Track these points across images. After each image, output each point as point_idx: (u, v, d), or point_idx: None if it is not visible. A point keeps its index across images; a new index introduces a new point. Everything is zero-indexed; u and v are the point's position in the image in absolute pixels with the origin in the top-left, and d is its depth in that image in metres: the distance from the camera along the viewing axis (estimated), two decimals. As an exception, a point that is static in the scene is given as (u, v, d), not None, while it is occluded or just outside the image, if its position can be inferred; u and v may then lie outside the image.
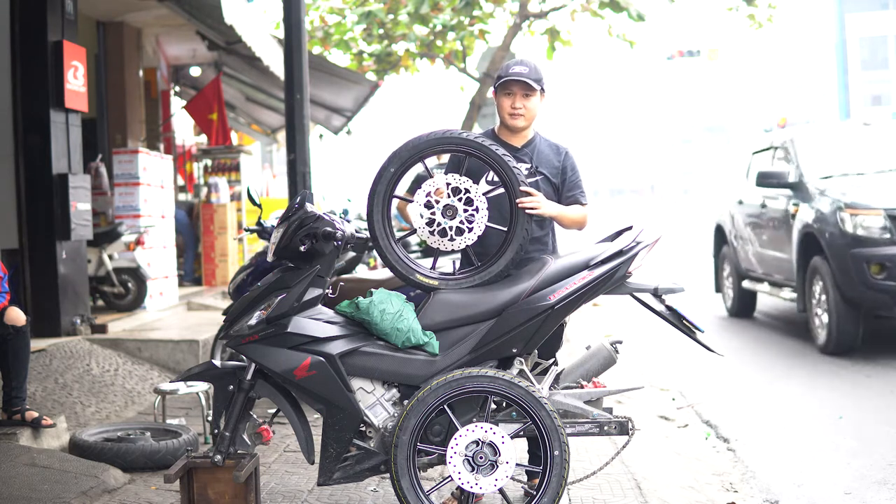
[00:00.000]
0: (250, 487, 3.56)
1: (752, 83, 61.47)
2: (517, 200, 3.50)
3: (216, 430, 3.55)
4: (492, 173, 3.64)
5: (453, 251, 3.57)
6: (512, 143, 3.81)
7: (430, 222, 3.48)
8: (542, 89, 3.79)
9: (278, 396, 3.53)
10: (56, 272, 6.72)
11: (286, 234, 3.48)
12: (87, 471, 4.20)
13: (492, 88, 3.95)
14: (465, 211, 3.46)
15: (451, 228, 3.46)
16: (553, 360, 3.75)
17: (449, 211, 3.46)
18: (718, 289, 10.74)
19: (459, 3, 12.59)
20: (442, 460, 3.39)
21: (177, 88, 13.33)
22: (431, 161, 3.84)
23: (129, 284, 8.18)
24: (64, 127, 6.81)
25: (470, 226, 3.47)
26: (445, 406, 3.35)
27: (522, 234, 3.51)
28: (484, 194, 3.52)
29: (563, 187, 3.83)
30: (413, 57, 13.80)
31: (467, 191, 3.47)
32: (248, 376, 3.52)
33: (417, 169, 3.94)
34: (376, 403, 3.45)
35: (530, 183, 3.66)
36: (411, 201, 3.55)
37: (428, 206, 3.48)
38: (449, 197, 3.46)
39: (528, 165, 3.76)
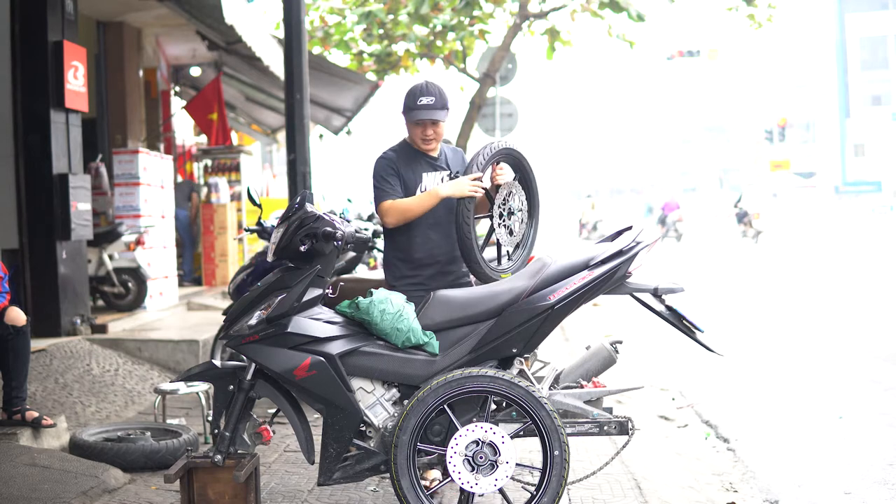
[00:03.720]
0: (250, 487, 3.56)
1: (752, 83, 61.39)
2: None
3: (216, 430, 3.55)
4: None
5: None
6: (430, 154, 4.07)
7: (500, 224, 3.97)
8: (448, 109, 4.03)
9: (278, 396, 3.53)
10: (56, 272, 6.72)
11: (286, 234, 3.49)
12: (87, 471, 4.20)
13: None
14: (520, 213, 4.02)
15: (509, 228, 3.99)
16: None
17: (510, 215, 4.01)
18: None
19: (459, 3, 12.58)
20: (442, 460, 3.39)
21: (177, 88, 13.32)
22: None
23: (129, 284, 8.17)
24: (64, 127, 6.81)
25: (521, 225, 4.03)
26: (445, 406, 3.35)
27: (537, 220, 4.12)
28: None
29: None
30: (413, 57, 13.79)
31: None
32: (248, 376, 3.52)
33: None
34: (376, 403, 3.45)
35: None
36: (489, 216, 4.00)
37: (500, 215, 3.99)
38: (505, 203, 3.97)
39: (449, 172, 4.04)
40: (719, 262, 19.62)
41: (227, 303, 8.82)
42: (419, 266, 3.92)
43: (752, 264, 18.85)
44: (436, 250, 3.94)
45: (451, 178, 3.97)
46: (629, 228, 3.66)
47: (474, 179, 3.78)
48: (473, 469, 3.29)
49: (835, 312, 10.58)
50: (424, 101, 3.90)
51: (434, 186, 3.92)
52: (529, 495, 3.37)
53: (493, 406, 3.43)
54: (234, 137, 14.22)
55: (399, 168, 3.98)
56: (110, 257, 8.09)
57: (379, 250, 7.09)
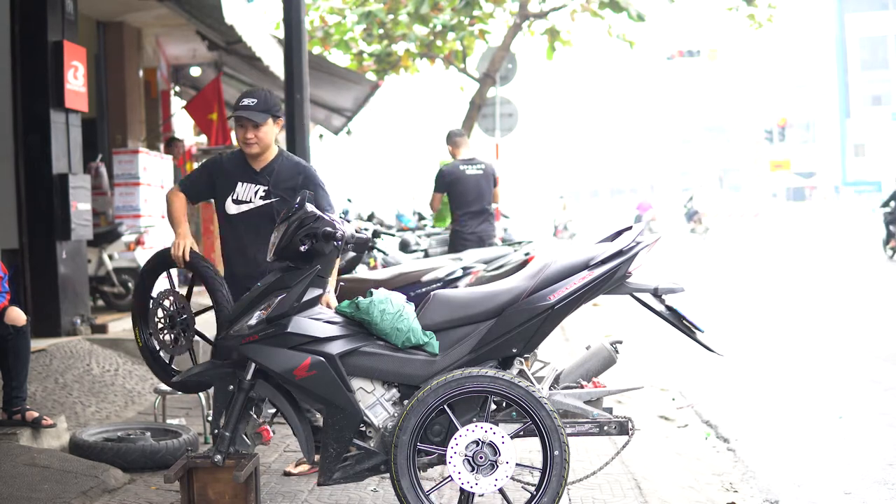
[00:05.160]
0: (250, 487, 3.56)
1: (752, 83, 61.38)
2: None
3: (216, 430, 3.55)
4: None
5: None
6: (253, 167, 4.14)
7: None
8: (275, 116, 4.07)
9: (278, 396, 3.53)
10: (56, 272, 6.71)
11: (286, 234, 3.48)
12: (87, 471, 4.20)
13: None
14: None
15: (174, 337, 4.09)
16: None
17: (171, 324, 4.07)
18: None
19: (459, 3, 12.60)
20: (442, 460, 3.39)
21: (177, 88, 13.32)
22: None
23: (129, 284, 8.17)
24: (64, 127, 6.81)
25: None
26: (445, 406, 3.35)
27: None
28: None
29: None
30: (413, 57, 13.81)
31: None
32: (248, 376, 3.52)
33: None
34: (376, 403, 3.45)
35: (266, 204, 4.09)
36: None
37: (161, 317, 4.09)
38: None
39: (267, 187, 4.09)
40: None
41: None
42: (229, 275, 4.21)
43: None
44: (235, 266, 4.20)
45: (265, 194, 4.06)
46: (629, 228, 3.66)
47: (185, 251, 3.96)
48: (473, 469, 3.29)
49: (830, 311, 10.59)
50: (246, 101, 4.01)
51: (184, 231, 4.07)
52: (529, 495, 3.37)
53: (493, 406, 3.43)
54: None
55: (219, 170, 4.17)
56: (110, 257, 8.09)
57: (379, 250, 7.11)
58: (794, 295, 12.55)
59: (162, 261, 4.15)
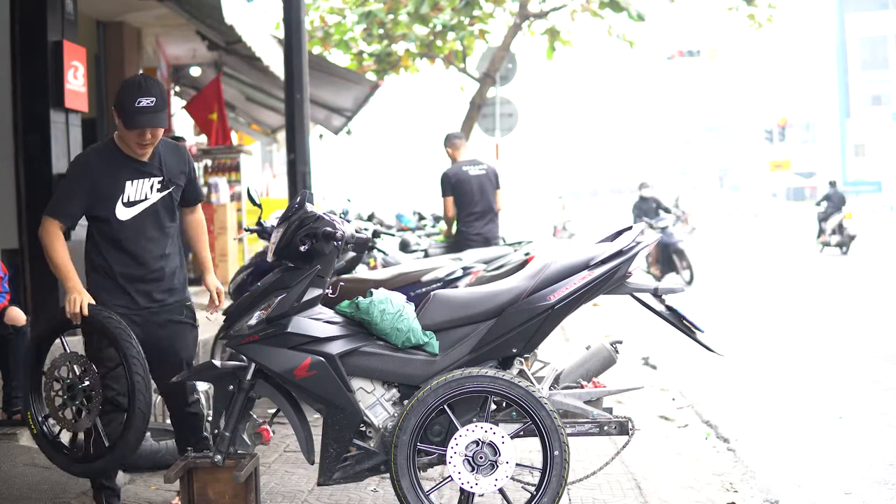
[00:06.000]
0: (250, 487, 3.56)
1: (752, 83, 61.38)
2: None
3: (216, 430, 3.55)
4: None
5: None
6: (139, 160, 3.63)
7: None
8: (168, 108, 3.61)
9: (278, 396, 3.53)
10: (56, 272, 6.70)
11: (286, 234, 3.49)
12: (88, 471, 4.19)
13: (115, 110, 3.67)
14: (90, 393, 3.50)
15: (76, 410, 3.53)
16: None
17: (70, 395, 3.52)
18: None
19: (459, 3, 12.60)
20: (442, 460, 3.39)
21: (177, 88, 13.31)
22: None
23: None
24: (64, 127, 6.79)
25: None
26: (445, 406, 3.35)
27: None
28: None
29: (188, 187, 3.81)
30: (413, 57, 13.81)
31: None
32: (248, 376, 3.52)
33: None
34: (376, 403, 3.45)
35: (165, 195, 3.65)
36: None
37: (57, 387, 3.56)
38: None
39: (161, 178, 3.65)
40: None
41: (227, 303, 8.80)
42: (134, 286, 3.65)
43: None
44: (137, 270, 3.64)
45: (161, 185, 3.61)
46: (629, 228, 3.66)
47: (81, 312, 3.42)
48: (473, 469, 3.29)
49: (834, 312, 10.59)
50: (144, 102, 3.50)
51: (77, 283, 3.48)
52: (529, 495, 3.37)
53: (493, 406, 3.43)
54: (234, 137, 14.20)
55: (94, 178, 3.56)
56: (110, 257, 8.07)
57: (379, 250, 7.10)
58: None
59: (54, 325, 3.61)
